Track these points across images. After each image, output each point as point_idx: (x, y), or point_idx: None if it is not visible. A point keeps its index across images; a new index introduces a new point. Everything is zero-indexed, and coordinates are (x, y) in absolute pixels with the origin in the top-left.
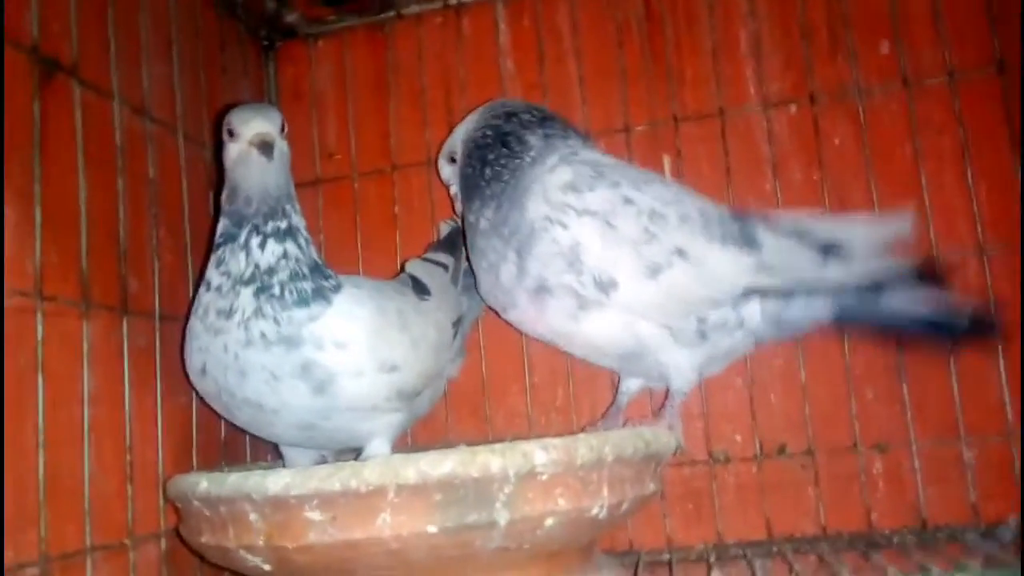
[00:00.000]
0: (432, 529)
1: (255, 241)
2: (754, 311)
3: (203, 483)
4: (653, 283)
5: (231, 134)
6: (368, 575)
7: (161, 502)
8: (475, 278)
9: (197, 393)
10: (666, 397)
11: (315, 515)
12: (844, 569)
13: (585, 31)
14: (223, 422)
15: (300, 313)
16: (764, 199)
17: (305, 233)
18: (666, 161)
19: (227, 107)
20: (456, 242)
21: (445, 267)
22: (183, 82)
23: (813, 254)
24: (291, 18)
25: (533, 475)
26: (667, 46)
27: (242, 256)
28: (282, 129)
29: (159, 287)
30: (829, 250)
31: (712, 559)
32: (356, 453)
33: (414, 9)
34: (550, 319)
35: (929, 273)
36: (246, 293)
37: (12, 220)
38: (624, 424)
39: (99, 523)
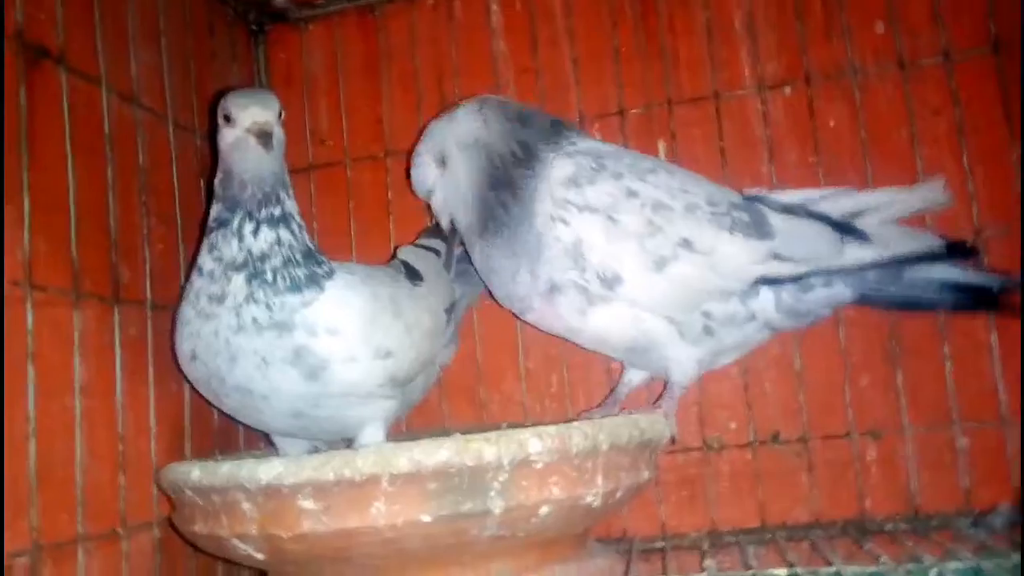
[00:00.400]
0: (426, 518)
1: (248, 227)
2: (767, 303)
3: (196, 472)
4: (659, 276)
5: (228, 119)
6: (362, 564)
7: (154, 491)
8: (485, 286)
9: (189, 381)
10: (664, 388)
11: (309, 504)
12: (837, 556)
13: (578, 12)
14: (216, 411)
15: (293, 299)
16: (759, 182)
17: (299, 219)
18: (661, 145)
19: (221, 91)
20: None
21: (438, 253)
22: (172, 68)
23: (831, 237)
24: (281, 2)
25: (528, 463)
26: (661, 27)
27: (235, 242)
28: (279, 116)
29: (150, 276)
30: (847, 230)
31: (705, 546)
32: (349, 443)
33: None
34: (561, 316)
35: (960, 249)
36: (238, 279)
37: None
38: (619, 412)
39: (91, 512)
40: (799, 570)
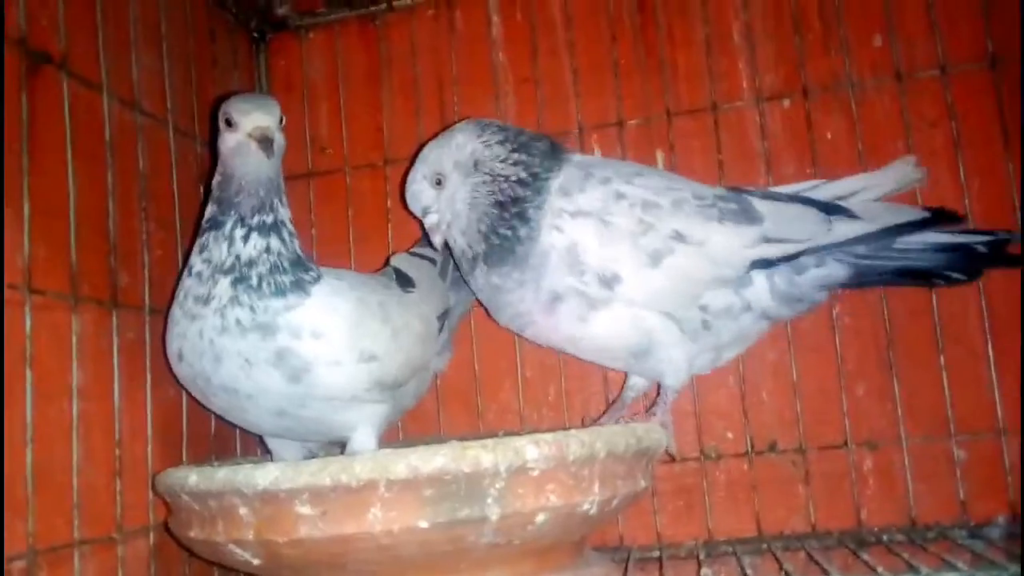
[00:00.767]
0: (423, 524)
1: (239, 233)
2: (761, 291)
3: (192, 477)
4: (656, 271)
5: (229, 123)
6: (358, 570)
7: (150, 496)
8: (486, 309)
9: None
10: (658, 393)
11: (305, 509)
12: (833, 567)
13: (578, 24)
14: (213, 417)
15: (276, 302)
16: None
17: (290, 227)
18: (659, 156)
19: (223, 96)
20: None
21: (433, 261)
22: (173, 74)
23: (817, 215)
24: (282, 10)
25: (524, 470)
26: (660, 39)
27: (224, 246)
28: (280, 122)
29: (149, 281)
30: (834, 210)
31: (702, 556)
32: (343, 448)
33: (406, 1)
34: (562, 325)
35: (947, 216)
36: (224, 282)
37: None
38: (618, 421)
39: (87, 517)
40: None
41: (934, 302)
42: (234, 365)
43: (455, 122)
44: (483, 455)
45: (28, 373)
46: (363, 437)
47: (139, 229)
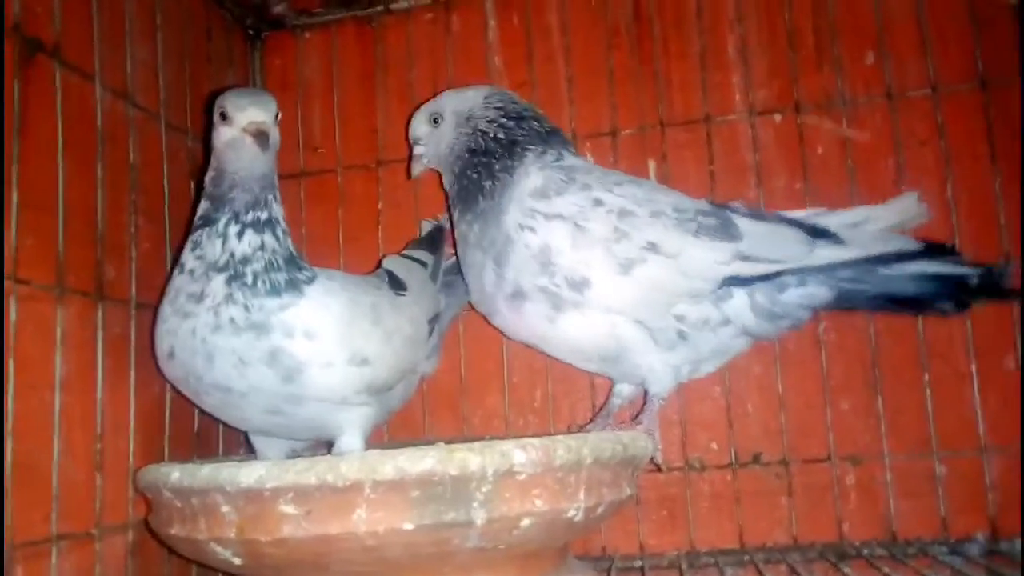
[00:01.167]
0: (408, 526)
1: (233, 229)
2: (741, 307)
3: (175, 473)
4: (627, 279)
5: (224, 117)
6: (342, 571)
7: (130, 492)
8: (467, 285)
9: (170, 383)
10: (644, 401)
11: (290, 509)
12: None
13: (575, 31)
14: (196, 413)
15: (271, 302)
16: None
17: (284, 224)
18: (651, 166)
19: (217, 91)
20: (437, 240)
21: (424, 264)
22: (167, 69)
23: (801, 237)
24: (279, 8)
25: (511, 474)
26: (656, 50)
27: (218, 243)
28: (276, 118)
29: (136, 275)
30: (820, 234)
31: (684, 567)
32: (329, 447)
33: (403, 4)
34: (528, 323)
35: (939, 249)
36: (218, 279)
37: None
38: (605, 429)
39: (66, 512)
40: None
41: (919, 321)
42: (227, 364)
43: None
44: (471, 458)
45: (11, 363)
46: (349, 438)
47: (127, 222)
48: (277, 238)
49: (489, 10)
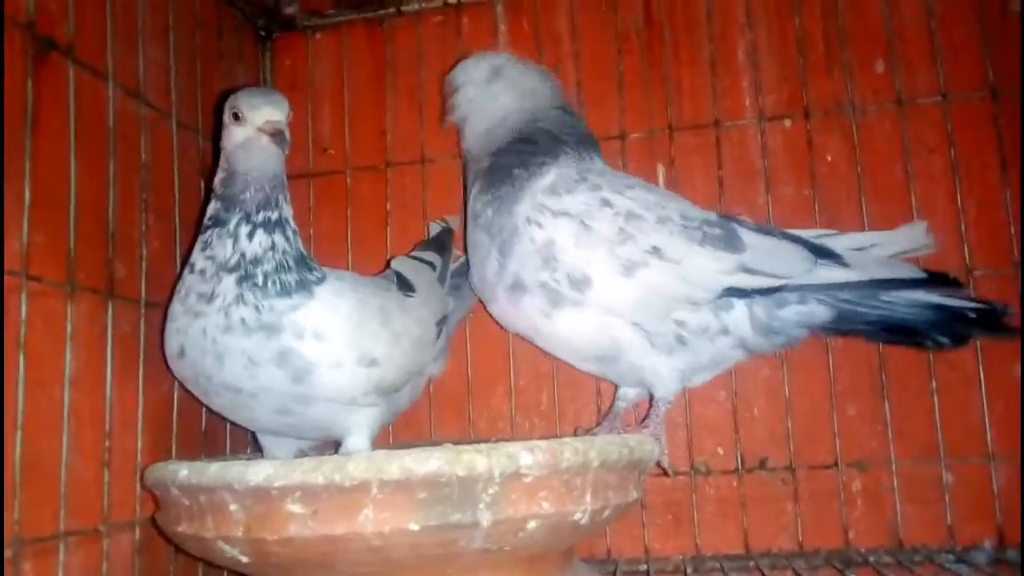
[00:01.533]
0: (414, 527)
1: (244, 230)
2: (741, 318)
3: (183, 471)
4: (629, 281)
5: (237, 117)
6: (348, 571)
7: (138, 490)
8: (478, 300)
9: (178, 381)
10: (650, 405)
11: (296, 508)
12: None
13: (584, 36)
14: (204, 412)
15: (281, 303)
16: (756, 212)
17: (293, 224)
18: (660, 170)
19: (226, 92)
20: (445, 242)
21: (432, 266)
22: (179, 68)
23: (804, 255)
24: (290, 9)
25: (518, 476)
26: (666, 55)
27: (229, 243)
28: (288, 117)
29: (146, 273)
30: (824, 254)
31: (689, 571)
32: (335, 447)
33: (414, 6)
34: (525, 316)
35: (941, 280)
36: (229, 280)
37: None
38: (611, 432)
39: (74, 508)
40: None
41: None
42: (238, 364)
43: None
44: (478, 459)
45: (21, 359)
46: (357, 439)
47: (138, 220)
48: (287, 238)
49: (499, 14)
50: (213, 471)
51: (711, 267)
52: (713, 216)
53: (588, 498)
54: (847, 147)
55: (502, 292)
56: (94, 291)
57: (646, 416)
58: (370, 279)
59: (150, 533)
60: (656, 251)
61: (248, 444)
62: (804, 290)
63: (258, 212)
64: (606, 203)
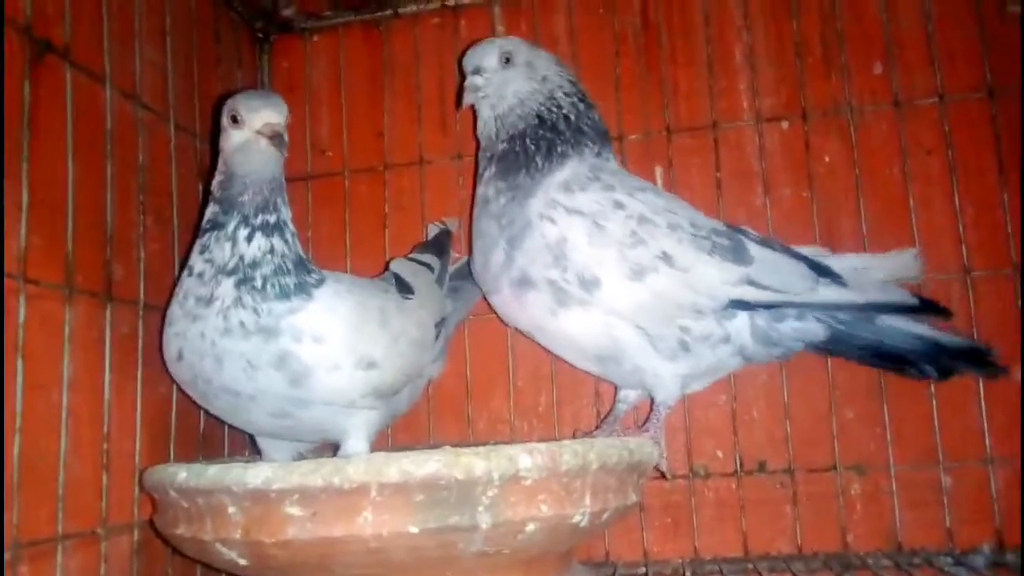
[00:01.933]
0: (413, 529)
1: (242, 233)
2: (742, 327)
3: (182, 473)
4: (637, 285)
5: (236, 120)
6: (346, 574)
7: (136, 492)
8: (471, 255)
9: (177, 384)
10: (651, 409)
11: (295, 510)
12: None
13: (582, 38)
14: (202, 415)
15: (280, 306)
16: (754, 214)
17: (292, 227)
18: (658, 172)
19: (224, 95)
20: (443, 244)
21: (431, 268)
22: (176, 70)
23: (807, 273)
24: (287, 11)
25: (517, 479)
26: (663, 57)
27: (228, 246)
28: (287, 120)
29: (144, 275)
30: (826, 272)
31: (688, 574)
32: (334, 450)
33: (411, 8)
34: (529, 312)
35: (932, 307)
36: (227, 283)
37: None
38: (611, 435)
39: (72, 511)
40: None
41: None
42: (236, 367)
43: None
44: (477, 462)
45: (19, 362)
46: (355, 441)
47: (136, 223)
48: (286, 241)
49: (497, 15)
50: (212, 473)
51: (718, 277)
52: (721, 226)
53: (587, 501)
54: (845, 148)
55: (507, 285)
56: (92, 294)
57: (646, 419)
58: (369, 281)
59: (148, 536)
60: (666, 257)
61: (246, 446)
62: (804, 307)
63: (257, 215)
64: (619, 205)
